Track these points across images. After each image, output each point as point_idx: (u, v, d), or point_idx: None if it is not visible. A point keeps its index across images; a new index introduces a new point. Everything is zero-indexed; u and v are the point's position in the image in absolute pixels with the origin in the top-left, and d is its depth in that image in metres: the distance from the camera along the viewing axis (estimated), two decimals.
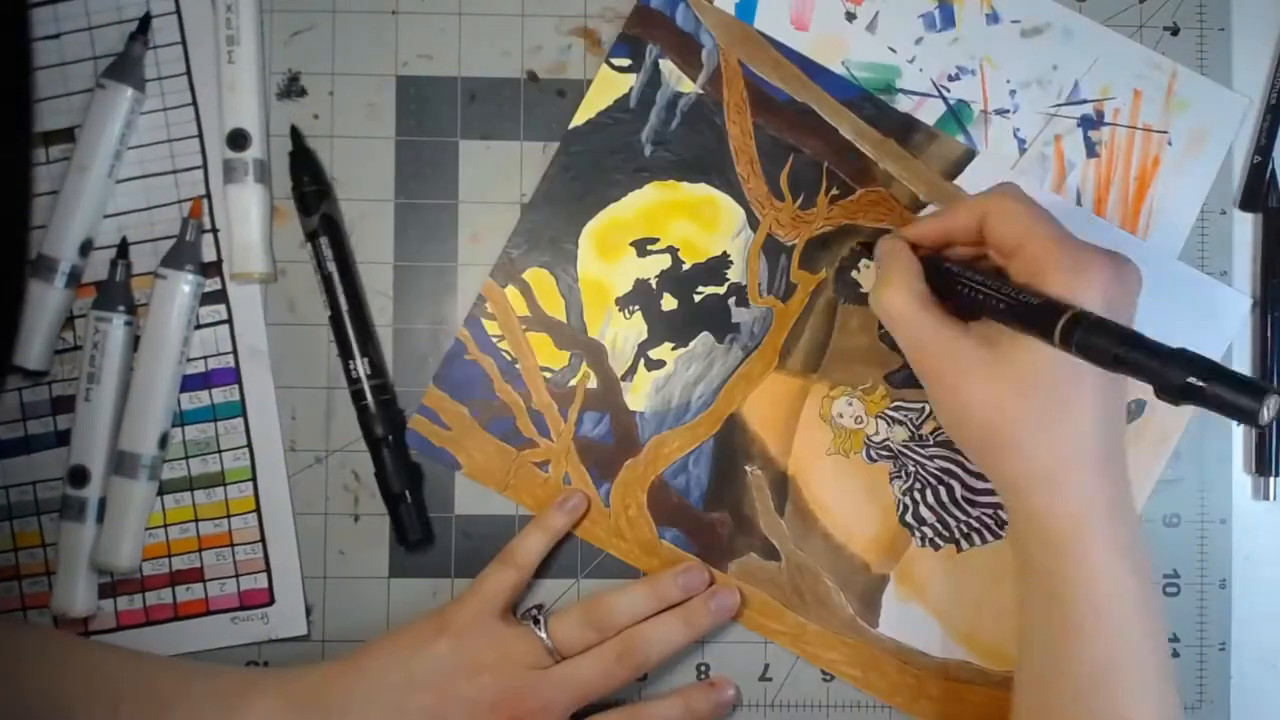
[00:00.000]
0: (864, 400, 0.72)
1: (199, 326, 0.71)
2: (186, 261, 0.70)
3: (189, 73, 0.72)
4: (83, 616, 0.71)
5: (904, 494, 0.72)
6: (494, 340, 0.72)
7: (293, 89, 0.72)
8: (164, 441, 0.71)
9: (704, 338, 0.72)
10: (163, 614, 0.72)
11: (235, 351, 0.72)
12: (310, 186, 0.71)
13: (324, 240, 0.71)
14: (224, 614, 0.72)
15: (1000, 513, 0.72)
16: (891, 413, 0.72)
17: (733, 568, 0.72)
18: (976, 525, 0.72)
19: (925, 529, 0.72)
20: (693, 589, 0.70)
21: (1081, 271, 0.57)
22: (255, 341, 0.72)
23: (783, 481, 0.72)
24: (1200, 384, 0.48)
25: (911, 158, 0.72)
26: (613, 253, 0.73)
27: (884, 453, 0.72)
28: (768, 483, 0.72)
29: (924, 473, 0.72)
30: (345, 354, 0.71)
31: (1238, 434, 0.73)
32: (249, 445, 0.72)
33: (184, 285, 0.70)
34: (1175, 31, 0.73)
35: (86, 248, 0.70)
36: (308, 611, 0.72)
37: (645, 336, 0.72)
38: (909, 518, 0.72)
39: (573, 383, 0.72)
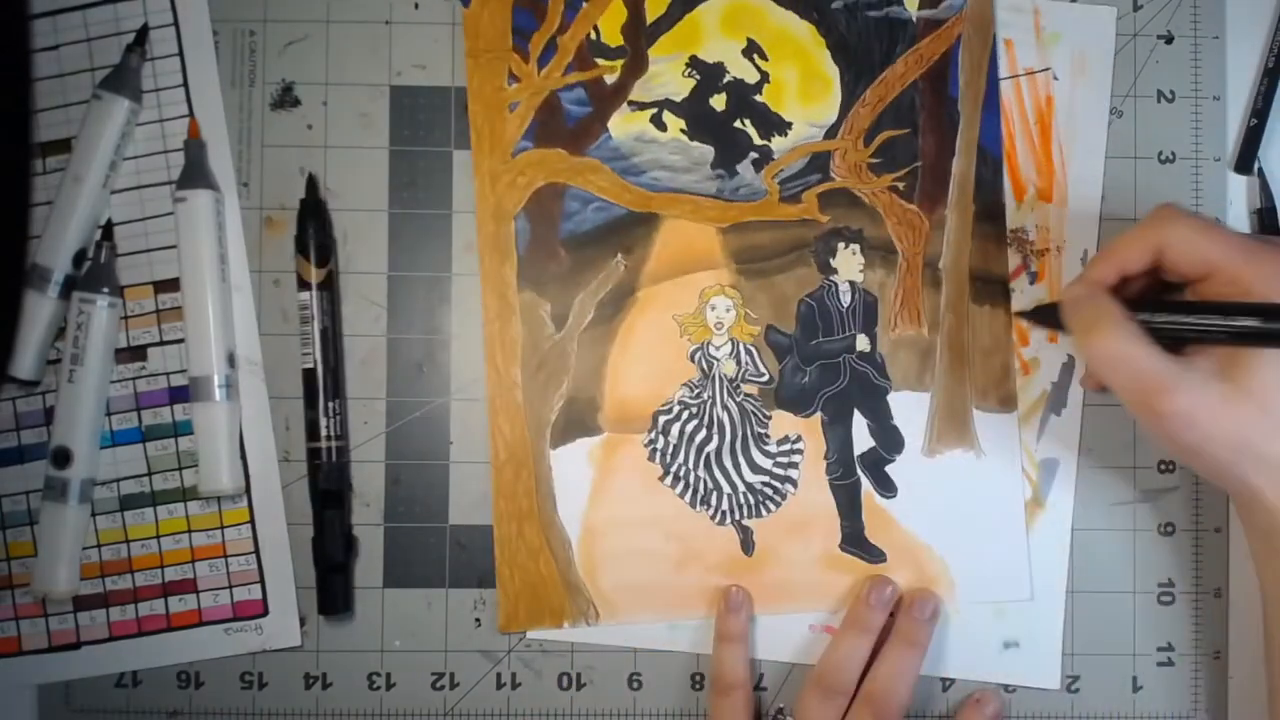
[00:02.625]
0: (740, 319, 0.73)
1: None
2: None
3: (186, 84, 0.72)
4: (65, 596, 0.70)
5: (679, 401, 0.72)
6: None
7: (286, 99, 0.72)
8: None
9: (706, 150, 0.73)
10: (155, 625, 0.71)
11: (230, 361, 0.71)
12: (317, 238, 0.71)
13: (327, 295, 0.71)
14: (217, 625, 0.71)
15: (743, 496, 0.73)
16: (745, 349, 0.73)
17: None
18: (704, 490, 0.72)
19: (665, 449, 0.73)
20: (888, 603, 0.71)
21: None
22: (249, 352, 0.72)
23: (627, 293, 0.72)
24: None
25: (968, 235, 0.73)
26: (734, 29, 0.73)
27: (704, 364, 0.73)
28: (616, 279, 0.72)
29: (707, 406, 0.72)
30: (311, 406, 0.71)
31: None
32: (243, 456, 0.72)
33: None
34: (1170, 40, 0.73)
35: (80, 258, 0.70)
36: (301, 622, 0.72)
37: (678, 98, 0.73)
38: (660, 418, 0.72)
39: (601, 62, 0.73)
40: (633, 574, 0.72)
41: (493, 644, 0.72)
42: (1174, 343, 0.61)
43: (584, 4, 0.72)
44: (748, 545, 0.72)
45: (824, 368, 0.73)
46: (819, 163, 0.73)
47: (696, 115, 0.73)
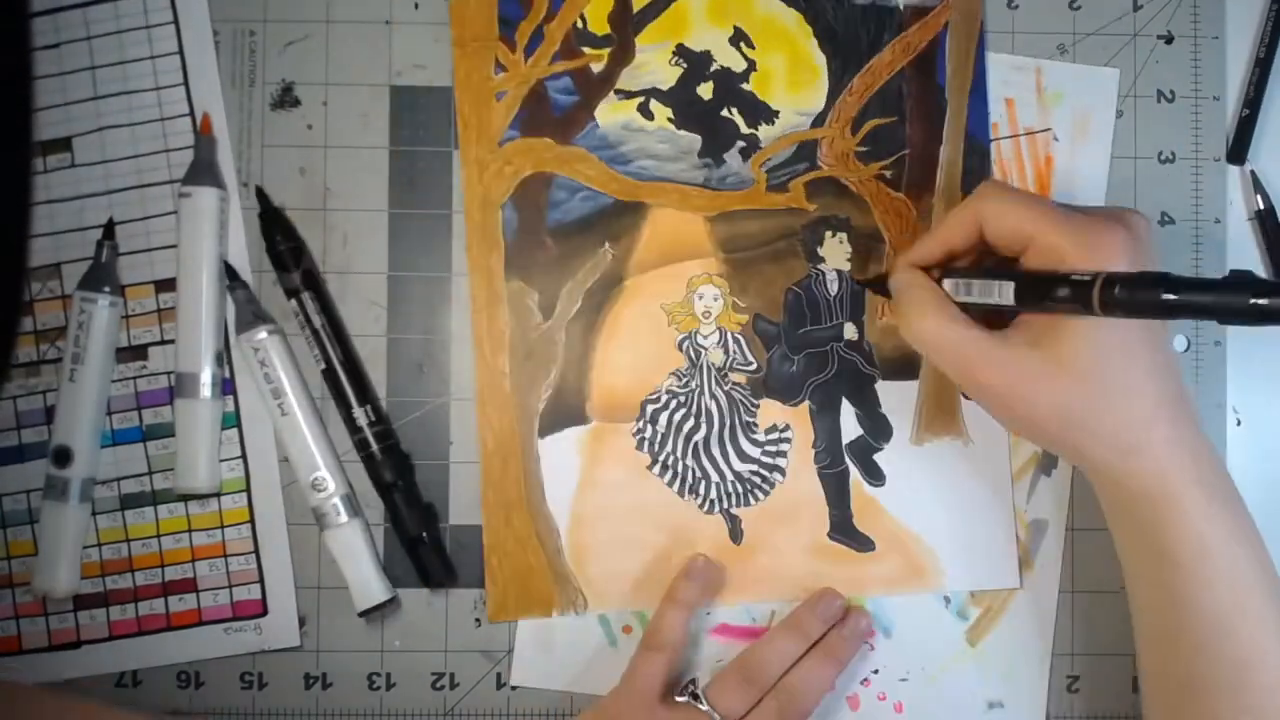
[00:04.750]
0: (727, 308, 0.72)
1: None
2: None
3: (186, 83, 0.72)
4: (65, 595, 0.71)
5: (666, 390, 0.72)
6: None
7: (286, 99, 0.72)
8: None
9: (693, 139, 0.73)
10: (155, 624, 0.71)
11: (230, 362, 0.72)
12: (285, 244, 0.71)
13: (307, 295, 0.71)
14: (217, 625, 0.71)
15: (732, 484, 0.72)
16: (734, 337, 0.72)
17: None
18: (692, 479, 0.72)
19: (653, 438, 0.72)
20: (832, 619, 0.70)
21: (1098, 245, 0.57)
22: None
23: (615, 282, 0.72)
24: (1262, 302, 0.47)
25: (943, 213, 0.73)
26: (720, 17, 0.73)
27: (692, 353, 0.72)
28: (603, 268, 0.72)
29: (695, 394, 0.72)
30: (344, 404, 0.71)
31: (1231, 443, 0.73)
32: (243, 456, 0.72)
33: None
34: (1170, 40, 0.73)
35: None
36: (301, 622, 0.72)
37: (664, 87, 0.73)
38: (648, 407, 0.72)
39: (588, 51, 0.72)
40: (621, 562, 0.72)
41: (493, 644, 0.72)
42: (999, 316, 0.61)
43: None
44: (736, 534, 0.72)
45: (812, 356, 0.73)
46: (806, 151, 0.73)
47: (683, 104, 0.73)
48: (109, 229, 0.72)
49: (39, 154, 0.72)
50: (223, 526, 0.72)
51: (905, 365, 0.73)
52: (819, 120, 0.73)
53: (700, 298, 0.73)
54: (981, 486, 0.72)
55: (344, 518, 0.70)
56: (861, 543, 0.72)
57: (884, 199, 0.73)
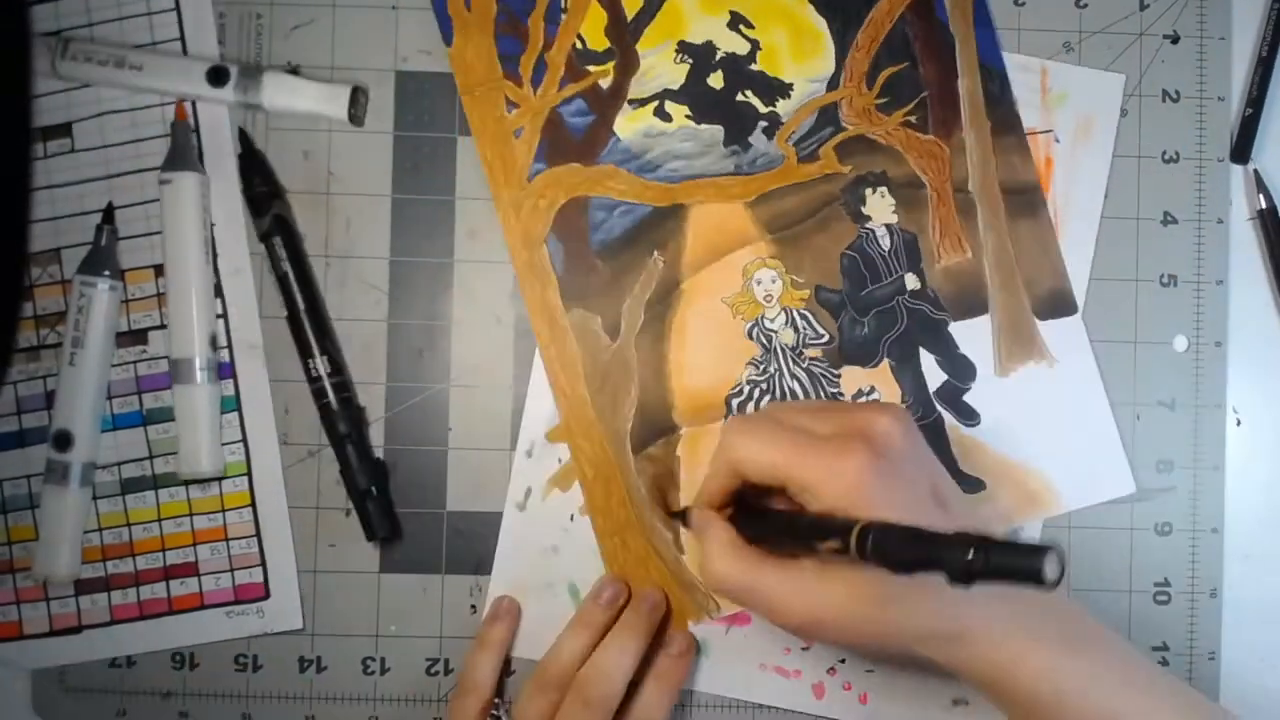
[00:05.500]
0: (787, 287, 0.72)
1: None
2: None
3: (182, 37, 0.72)
4: (66, 580, 0.71)
5: (747, 381, 0.72)
6: None
7: None
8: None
9: (715, 130, 0.73)
10: (157, 608, 0.72)
11: (230, 345, 0.72)
12: (260, 188, 0.71)
13: (277, 240, 0.71)
14: (219, 608, 0.72)
15: None
16: (799, 314, 0.72)
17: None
18: None
19: None
20: (616, 601, 0.70)
21: (842, 473, 0.56)
22: (250, 335, 0.72)
23: (672, 288, 0.72)
24: (978, 559, 0.46)
25: (989, 151, 0.73)
26: (714, 5, 0.73)
27: (763, 339, 0.72)
28: (657, 277, 0.72)
29: (775, 379, 0.72)
30: (304, 352, 0.71)
31: (1231, 443, 0.73)
32: (244, 440, 0.72)
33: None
34: (1175, 40, 0.73)
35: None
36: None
37: (675, 86, 0.73)
38: (733, 401, 0.72)
39: (592, 69, 0.72)
40: None
41: None
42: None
43: (562, 16, 0.72)
44: None
45: (880, 314, 0.72)
46: (828, 116, 0.73)
47: (697, 98, 0.73)
48: (108, 213, 0.71)
49: (39, 139, 0.71)
50: (224, 510, 0.72)
51: (975, 303, 0.72)
52: (833, 83, 0.73)
53: (759, 283, 0.72)
54: (1074, 402, 0.72)
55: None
56: (971, 484, 0.72)
57: (915, 144, 0.72)
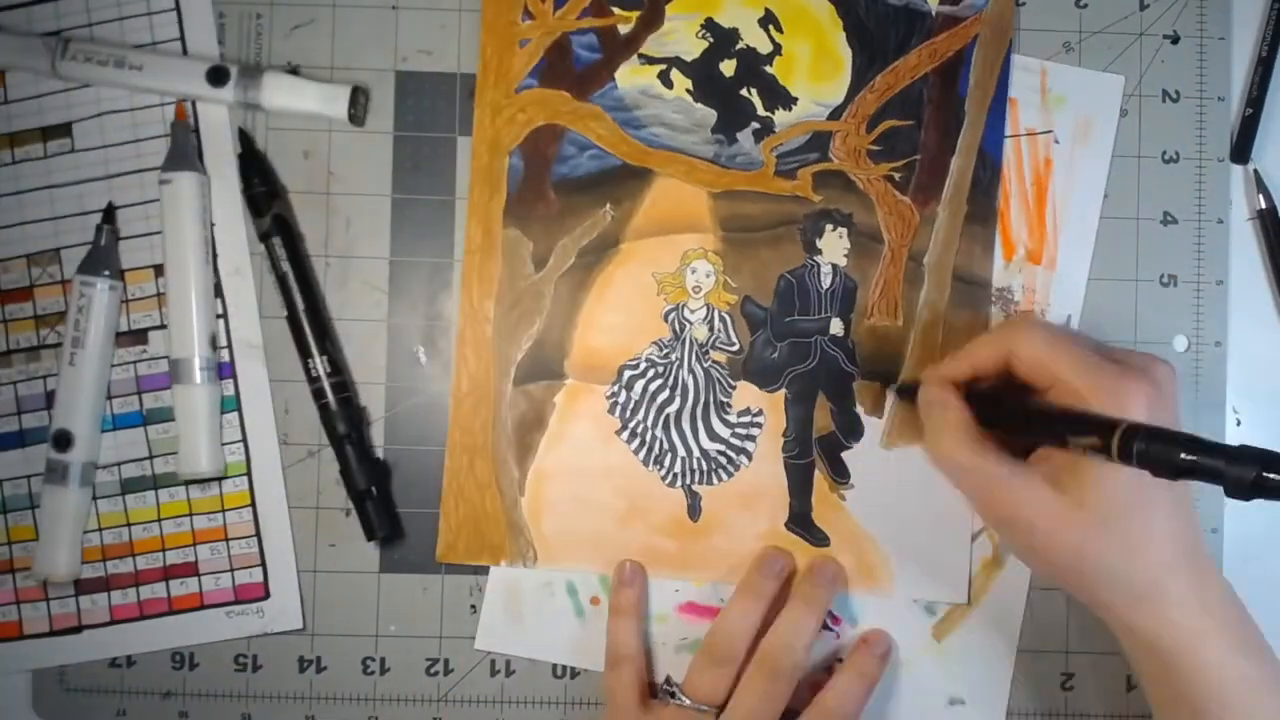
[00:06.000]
0: (719, 286, 0.73)
1: None
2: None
3: (182, 37, 0.72)
4: (66, 580, 0.71)
5: (646, 359, 0.72)
6: None
7: None
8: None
9: (709, 114, 0.73)
10: (157, 608, 0.71)
11: (230, 346, 0.72)
12: (260, 188, 0.71)
13: (277, 241, 0.71)
14: (219, 608, 0.72)
15: (698, 461, 0.73)
16: (720, 316, 0.73)
17: None
18: (658, 450, 0.73)
19: (626, 403, 0.73)
20: (781, 572, 0.71)
21: (1120, 394, 0.58)
22: (250, 335, 0.72)
23: (610, 244, 0.73)
24: (1272, 476, 0.49)
25: (956, 234, 0.73)
26: None
27: (677, 326, 0.73)
28: (601, 229, 0.72)
29: (674, 367, 0.72)
30: (304, 353, 0.71)
31: (1231, 431, 0.74)
32: (244, 440, 0.72)
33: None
34: (1175, 40, 0.73)
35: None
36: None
37: (688, 58, 0.73)
38: (626, 373, 0.72)
39: (617, 11, 0.73)
40: (577, 522, 0.72)
41: None
42: (1024, 449, 0.62)
43: None
44: (694, 510, 0.72)
45: (795, 345, 0.73)
46: (819, 142, 0.73)
47: (704, 78, 0.73)
48: (109, 213, 0.71)
49: (40, 140, 0.71)
50: (224, 510, 0.72)
51: (888, 370, 0.73)
52: (836, 113, 0.73)
53: (693, 272, 0.73)
54: (943, 499, 0.72)
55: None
56: (817, 537, 0.72)
57: (889, 200, 0.73)
